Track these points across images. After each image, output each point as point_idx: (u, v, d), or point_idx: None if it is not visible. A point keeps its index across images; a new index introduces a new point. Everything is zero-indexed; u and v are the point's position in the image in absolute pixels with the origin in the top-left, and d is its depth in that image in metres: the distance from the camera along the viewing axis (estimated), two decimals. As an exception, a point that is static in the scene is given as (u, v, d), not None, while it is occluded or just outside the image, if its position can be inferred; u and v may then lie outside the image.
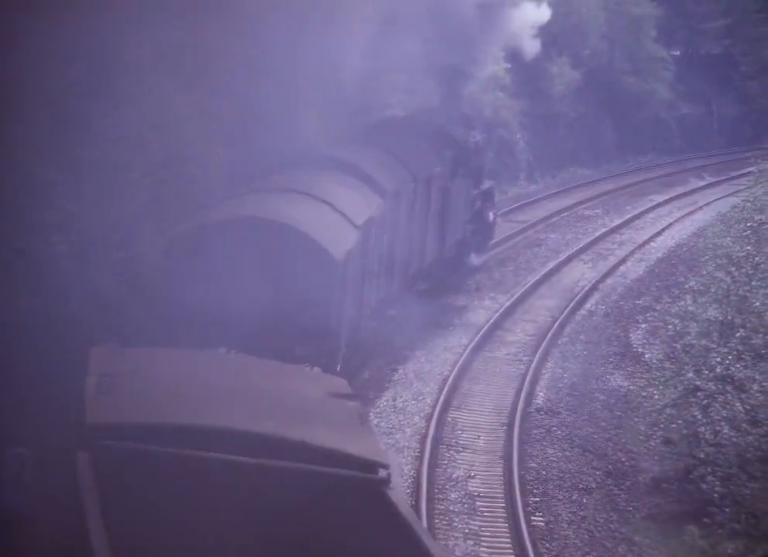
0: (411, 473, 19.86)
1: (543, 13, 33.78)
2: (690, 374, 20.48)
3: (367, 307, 22.86)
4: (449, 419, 22.35)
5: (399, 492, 10.62)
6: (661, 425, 20.72)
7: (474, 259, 32.33)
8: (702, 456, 18.51)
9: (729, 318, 21.55)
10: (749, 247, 25.34)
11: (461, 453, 20.98)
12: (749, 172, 40.05)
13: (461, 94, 32.01)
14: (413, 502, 18.62)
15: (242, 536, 9.15)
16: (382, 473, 10.04)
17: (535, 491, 19.72)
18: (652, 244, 36.74)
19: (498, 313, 28.56)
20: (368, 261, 22.25)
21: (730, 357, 19.90)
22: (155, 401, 10.32)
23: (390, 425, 21.77)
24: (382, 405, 22.70)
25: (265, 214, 18.74)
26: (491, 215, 32.64)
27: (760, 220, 28.12)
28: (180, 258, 17.96)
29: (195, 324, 15.47)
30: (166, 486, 9.38)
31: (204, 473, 9.51)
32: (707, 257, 27.97)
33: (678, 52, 54.96)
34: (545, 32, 38.26)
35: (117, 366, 11.05)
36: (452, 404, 23.01)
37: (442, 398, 22.97)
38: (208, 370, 11.82)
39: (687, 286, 27.52)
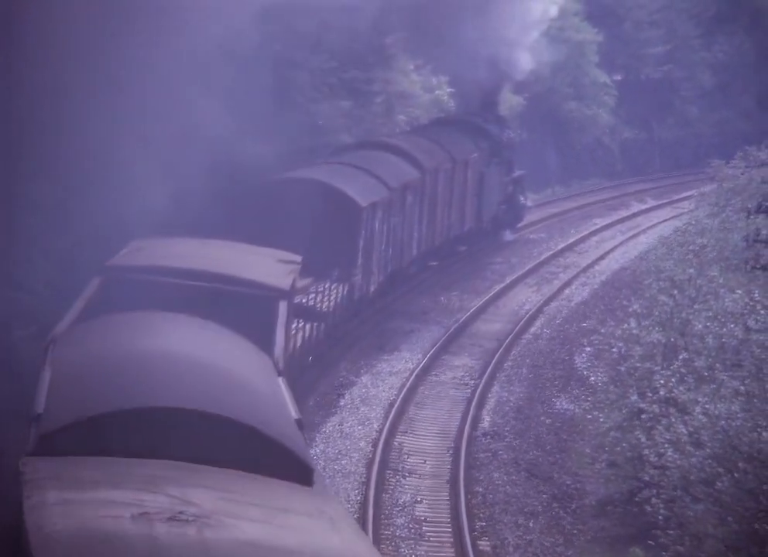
0: (358, 499, 19.81)
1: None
2: (635, 397, 20.59)
3: (408, 255, 30.65)
4: (395, 444, 22.34)
5: (284, 305, 17.27)
6: (606, 448, 20.82)
7: (508, 235, 39.49)
8: (647, 478, 18.60)
9: (672, 341, 21.70)
10: (691, 271, 25.54)
11: (408, 478, 20.97)
12: (690, 196, 40.51)
13: (497, 100, 39.90)
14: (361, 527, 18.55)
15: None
16: (275, 292, 17.45)
17: (481, 515, 19.73)
18: (596, 267, 37.02)
19: (444, 337, 28.62)
20: (406, 217, 29.77)
21: (673, 380, 20.00)
22: (154, 257, 18.01)
23: (337, 451, 21.71)
24: (328, 431, 22.64)
25: (311, 176, 26.74)
26: (521, 199, 39.58)
27: (702, 243, 28.39)
28: (255, 202, 25.09)
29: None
30: (142, 299, 15.84)
31: (167, 291, 16.43)
32: (650, 280, 28.14)
33: (619, 78, 55.53)
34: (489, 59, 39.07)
35: (145, 243, 18.86)
36: (399, 429, 23.02)
37: (388, 422, 22.97)
38: (202, 246, 18.96)
39: (630, 309, 27.61)
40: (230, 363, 13.20)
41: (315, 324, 23.37)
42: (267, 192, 25.48)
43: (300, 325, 22.09)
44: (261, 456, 11.11)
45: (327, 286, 24.69)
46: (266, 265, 18.73)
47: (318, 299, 23.97)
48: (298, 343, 21.56)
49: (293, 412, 12.68)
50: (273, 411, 12.36)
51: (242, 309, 16.30)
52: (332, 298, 24.90)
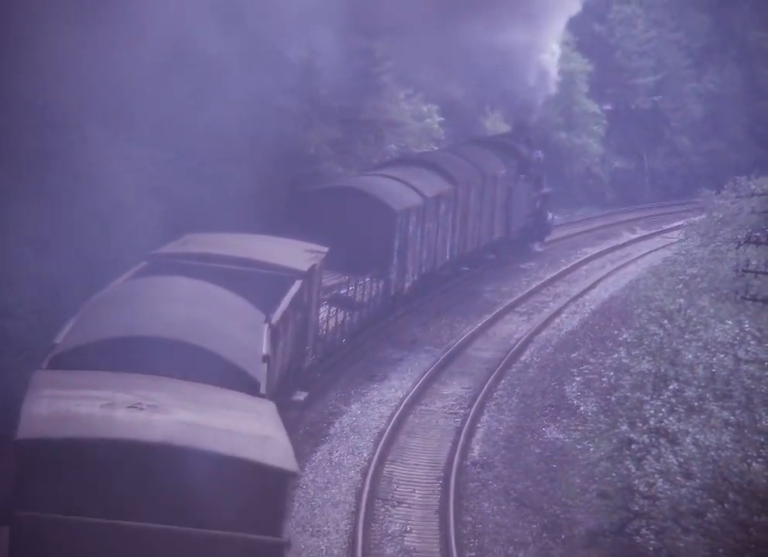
0: (347, 529, 19.70)
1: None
2: (625, 427, 20.51)
3: (441, 259, 34.16)
4: (385, 473, 22.24)
5: (297, 284, 20.81)
6: (596, 478, 20.74)
7: (537, 247, 43.04)
8: (637, 508, 18.51)
9: (662, 370, 21.65)
10: (681, 300, 25.53)
11: (397, 508, 20.87)
12: (680, 226, 40.55)
13: (527, 124, 43.60)
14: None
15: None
16: (291, 273, 21.23)
17: (471, 546, 19.63)
18: (586, 296, 37.00)
19: (434, 366, 28.56)
20: (440, 224, 33.34)
21: (663, 410, 19.96)
22: (195, 246, 21.42)
23: (326, 480, 21.60)
24: (317, 460, 22.53)
25: (352, 185, 30.72)
26: (549, 214, 43.18)
27: (692, 273, 28.40)
28: (301, 209, 28.73)
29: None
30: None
31: (202, 273, 18.95)
32: (640, 310, 28.11)
33: (610, 107, 55.72)
34: (478, 89, 39.55)
35: (194, 236, 22.30)
36: (388, 458, 22.92)
37: (378, 451, 22.87)
38: (241, 239, 22.58)
39: (620, 339, 27.60)
40: (221, 312, 17.32)
41: (349, 312, 27.14)
42: (314, 199, 29.34)
43: (333, 311, 26.00)
44: (220, 373, 15.01)
45: (364, 281, 28.13)
46: (291, 253, 22.48)
47: (356, 292, 27.64)
48: (330, 326, 25.71)
49: (263, 350, 16.75)
50: (243, 345, 16.54)
51: (265, 285, 19.98)
52: (369, 292, 28.56)
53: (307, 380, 23.97)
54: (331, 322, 25.81)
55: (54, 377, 14.44)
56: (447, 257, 34.77)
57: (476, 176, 36.72)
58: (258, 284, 19.87)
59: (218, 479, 12.75)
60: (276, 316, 18.76)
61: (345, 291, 27.22)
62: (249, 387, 15.22)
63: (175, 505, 12.67)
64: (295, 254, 22.56)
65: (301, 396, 22.64)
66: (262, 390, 15.39)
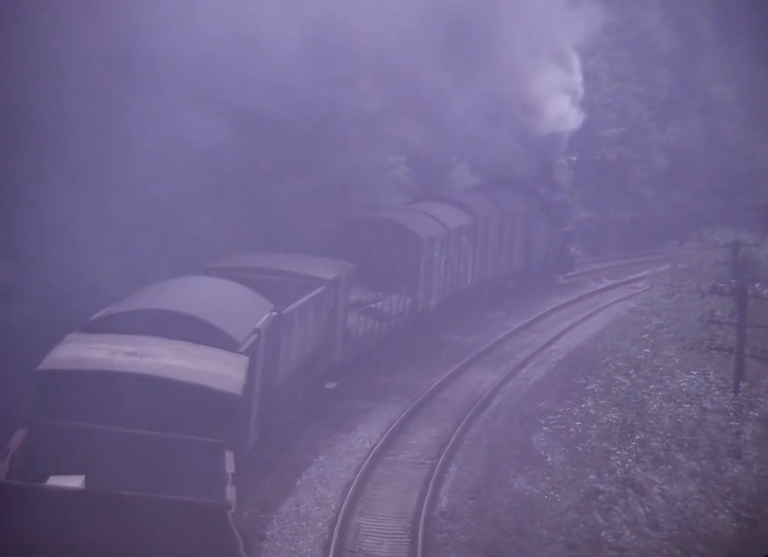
0: (314, 582, 19.58)
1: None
2: (592, 477, 20.57)
3: (463, 284, 38.83)
4: (353, 525, 22.14)
5: (319, 289, 26.01)
6: (564, 529, 20.72)
7: (561, 279, 47.65)
8: (605, 560, 18.51)
9: (629, 421, 21.76)
10: (647, 350, 25.72)
11: (365, 560, 20.76)
12: (646, 276, 40.88)
13: (552, 169, 48.24)
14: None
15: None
16: (314, 281, 26.47)
17: (439, 598, 19.52)
18: (552, 346, 37.07)
19: (402, 416, 28.52)
20: (462, 253, 37.98)
21: (630, 460, 20.04)
22: (236, 261, 26.61)
23: (293, 532, 21.47)
24: (284, 511, 22.41)
25: (385, 216, 35.73)
26: (572, 250, 47.92)
27: (658, 323, 28.64)
28: (343, 236, 33.01)
29: None
30: None
31: (239, 280, 24.21)
32: (606, 359, 28.27)
33: (575, 158, 56.14)
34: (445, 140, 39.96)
35: (240, 255, 27.17)
36: (356, 510, 22.83)
37: (345, 503, 22.78)
38: (278, 255, 27.64)
39: (587, 388, 27.72)
40: (232, 300, 22.54)
41: (378, 323, 31.55)
42: (353, 228, 33.97)
43: (364, 321, 30.40)
44: (208, 335, 20.02)
45: (391, 298, 32.41)
46: (319, 266, 27.47)
47: (385, 307, 31.99)
48: (360, 333, 30.24)
49: (257, 325, 21.59)
50: (240, 320, 21.45)
51: (293, 290, 24.92)
52: (397, 307, 32.96)
53: (337, 374, 29.01)
54: (362, 330, 30.21)
55: (80, 336, 19.35)
56: (469, 282, 39.39)
57: (495, 213, 41.37)
58: (288, 289, 25.04)
59: (185, 399, 17.79)
60: (288, 308, 23.60)
61: (375, 305, 31.51)
62: (232, 346, 20.30)
63: (151, 416, 17.41)
64: (323, 267, 27.62)
65: (331, 385, 28.20)
66: (242, 349, 20.38)
